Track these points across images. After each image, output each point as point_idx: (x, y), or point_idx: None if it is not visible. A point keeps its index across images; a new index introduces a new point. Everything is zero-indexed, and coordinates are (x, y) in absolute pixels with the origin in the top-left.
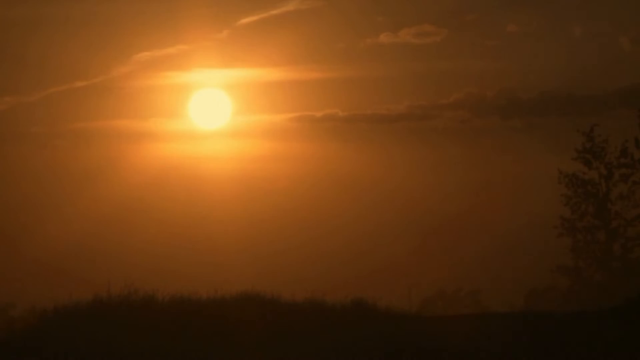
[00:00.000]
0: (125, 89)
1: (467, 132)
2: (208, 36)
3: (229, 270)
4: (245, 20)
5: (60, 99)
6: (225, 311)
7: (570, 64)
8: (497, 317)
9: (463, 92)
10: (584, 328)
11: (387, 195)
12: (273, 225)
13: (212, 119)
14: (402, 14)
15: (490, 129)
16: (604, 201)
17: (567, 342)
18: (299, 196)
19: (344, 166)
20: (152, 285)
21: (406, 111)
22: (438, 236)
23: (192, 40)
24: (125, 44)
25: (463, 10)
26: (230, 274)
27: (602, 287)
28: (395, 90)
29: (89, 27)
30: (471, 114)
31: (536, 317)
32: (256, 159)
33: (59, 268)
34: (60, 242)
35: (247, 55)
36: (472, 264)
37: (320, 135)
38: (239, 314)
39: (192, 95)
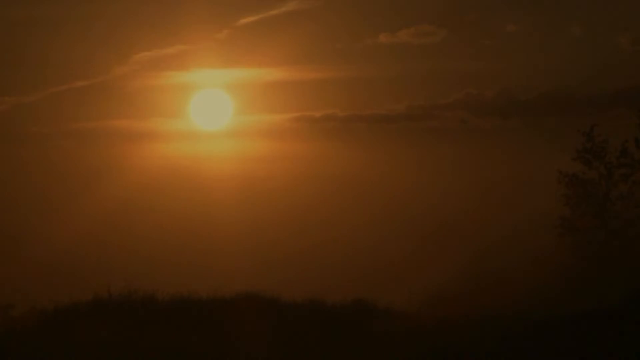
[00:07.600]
0: (125, 89)
1: (466, 132)
2: (208, 36)
3: (229, 270)
4: (245, 21)
5: (61, 98)
6: (225, 311)
7: (570, 64)
8: (497, 317)
9: (462, 92)
10: (584, 328)
11: (386, 194)
12: (273, 225)
13: (212, 119)
14: (401, 14)
15: (489, 129)
16: (604, 201)
17: (567, 342)
18: (298, 196)
19: (343, 166)
20: (152, 285)
21: (405, 111)
22: (438, 236)
23: (192, 40)
24: (125, 44)
25: (462, 10)
26: (230, 273)
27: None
28: (395, 91)
29: (89, 27)
30: (470, 114)
31: (536, 317)
32: (256, 159)
33: (59, 268)
34: (60, 242)
35: (247, 55)
36: (472, 264)
37: (319, 135)
38: (239, 314)
39: (193, 96)
